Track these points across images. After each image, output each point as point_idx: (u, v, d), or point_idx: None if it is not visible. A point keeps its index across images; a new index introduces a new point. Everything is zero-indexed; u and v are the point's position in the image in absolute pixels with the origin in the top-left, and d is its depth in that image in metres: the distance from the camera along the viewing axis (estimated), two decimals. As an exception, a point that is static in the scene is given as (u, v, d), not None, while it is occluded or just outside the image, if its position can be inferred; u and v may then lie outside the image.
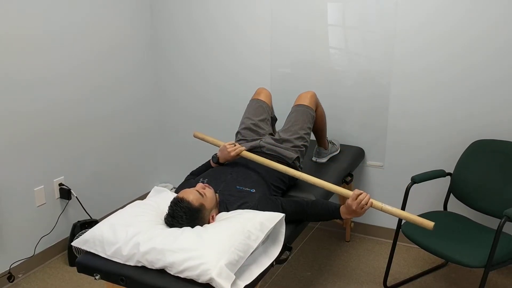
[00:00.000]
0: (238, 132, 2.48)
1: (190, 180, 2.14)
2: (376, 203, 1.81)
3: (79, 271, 1.73)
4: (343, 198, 2.90)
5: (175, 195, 1.87)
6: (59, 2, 2.63)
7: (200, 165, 2.43)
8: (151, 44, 3.38)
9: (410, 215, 1.77)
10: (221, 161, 2.24)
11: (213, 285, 1.49)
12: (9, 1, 2.38)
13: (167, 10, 3.28)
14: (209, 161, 2.31)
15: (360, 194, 1.82)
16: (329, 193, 2.36)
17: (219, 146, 2.28)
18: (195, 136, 2.46)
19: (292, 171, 2.06)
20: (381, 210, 1.81)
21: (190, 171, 2.35)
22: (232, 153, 2.17)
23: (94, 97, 2.96)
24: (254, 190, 1.98)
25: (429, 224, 1.73)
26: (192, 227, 1.72)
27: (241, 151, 2.18)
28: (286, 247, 1.86)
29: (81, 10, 2.78)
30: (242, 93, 3.19)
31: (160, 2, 3.28)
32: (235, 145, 2.19)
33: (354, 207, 1.82)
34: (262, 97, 2.56)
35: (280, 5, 2.92)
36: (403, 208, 2.39)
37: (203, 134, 2.49)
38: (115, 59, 3.08)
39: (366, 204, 1.81)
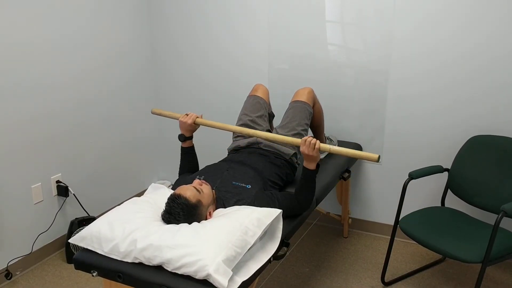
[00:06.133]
0: (235, 129, 2.48)
1: (186, 177, 2.13)
2: (324, 145, 1.94)
3: (76, 268, 1.73)
4: (341, 194, 2.91)
5: (172, 191, 1.87)
6: (60, 12, 2.63)
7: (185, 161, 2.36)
8: (150, 50, 3.38)
9: (355, 151, 1.89)
10: (186, 134, 2.26)
11: (210, 281, 1.49)
12: (10, 12, 2.39)
13: (164, 17, 3.27)
14: (181, 149, 2.32)
15: (306, 139, 1.92)
16: (326, 190, 2.37)
17: (177, 119, 2.30)
18: (153, 113, 2.48)
19: (251, 131, 2.14)
20: (330, 151, 1.93)
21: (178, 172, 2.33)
22: (189, 121, 2.22)
23: (93, 99, 2.96)
24: (250, 186, 1.97)
25: (374, 156, 1.83)
26: (189, 223, 1.72)
27: (196, 117, 2.23)
28: (283, 243, 1.86)
29: (80, 19, 2.79)
30: (240, 90, 3.18)
31: (158, 8, 3.27)
32: (187, 115, 2.23)
33: (307, 151, 1.91)
34: (260, 93, 2.56)
35: (278, 1, 2.91)
36: (400, 204, 2.39)
37: (160, 109, 2.49)
38: (115, 64, 3.09)
39: (315, 144, 1.90)
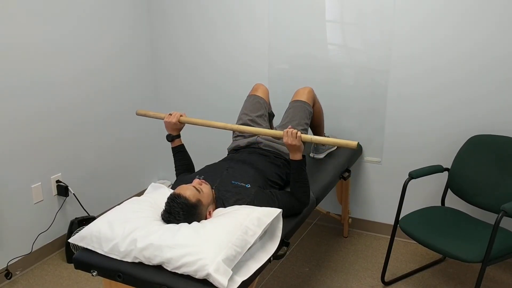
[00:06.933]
0: (235, 128, 2.48)
1: (186, 177, 2.13)
2: (305, 135, 1.99)
3: (76, 267, 1.73)
4: (341, 193, 2.91)
5: (172, 191, 1.86)
6: (59, 11, 2.64)
7: (183, 161, 2.35)
8: (150, 50, 3.39)
9: (334, 139, 1.97)
10: (172, 133, 2.28)
11: (210, 280, 1.49)
12: (9, 11, 2.40)
13: (164, 17, 3.27)
14: (172, 150, 2.32)
15: (287, 130, 1.97)
16: (326, 189, 2.37)
17: (162, 119, 2.32)
18: (138, 114, 2.49)
19: (241, 128, 2.17)
20: (311, 141, 1.99)
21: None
22: (173, 120, 2.23)
23: (93, 99, 2.96)
24: (250, 185, 1.97)
25: (353, 143, 1.91)
26: (189, 223, 1.72)
27: (179, 115, 2.25)
28: (283, 243, 1.86)
29: (79, 18, 2.79)
30: (240, 90, 3.18)
31: (158, 8, 3.27)
32: (171, 115, 2.25)
33: (290, 141, 1.95)
34: (260, 93, 2.56)
35: (278, 1, 2.91)
36: (400, 204, 2.39)
37: (145, 110, 2.49)
38: (115, 63, 3.10)
39: (296, 133, 1.94)
